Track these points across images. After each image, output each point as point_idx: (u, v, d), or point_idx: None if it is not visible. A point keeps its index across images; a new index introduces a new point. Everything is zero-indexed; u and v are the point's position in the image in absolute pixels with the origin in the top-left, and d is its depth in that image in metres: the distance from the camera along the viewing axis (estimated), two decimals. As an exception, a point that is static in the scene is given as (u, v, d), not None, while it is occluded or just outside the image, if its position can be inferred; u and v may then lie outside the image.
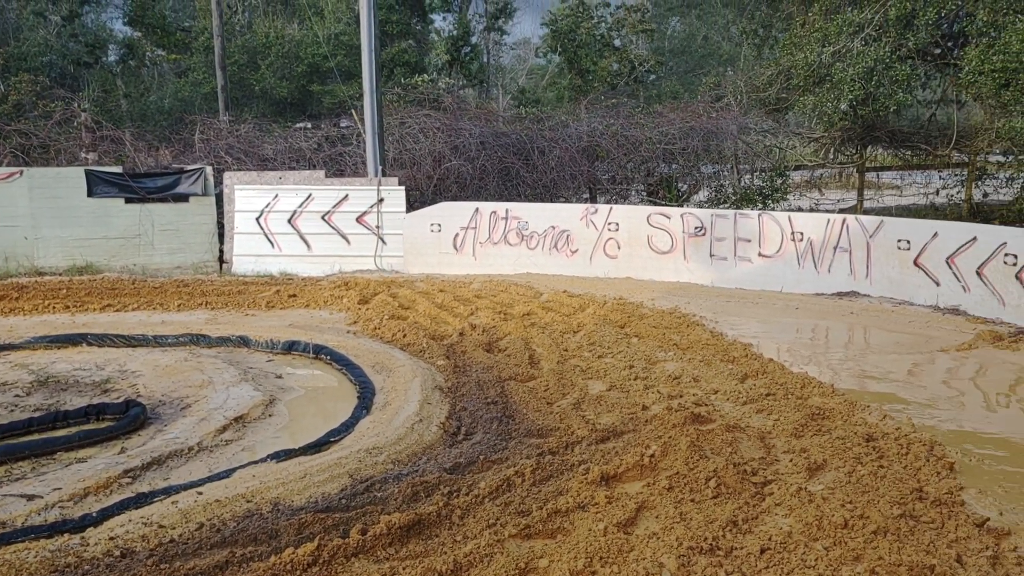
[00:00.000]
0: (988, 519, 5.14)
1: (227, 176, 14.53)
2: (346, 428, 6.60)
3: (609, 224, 13.67)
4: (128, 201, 14.11)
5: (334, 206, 14.10)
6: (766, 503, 5.39)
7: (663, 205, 15.85)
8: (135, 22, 30.68)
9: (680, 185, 18.14)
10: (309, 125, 19.87)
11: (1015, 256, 10.03)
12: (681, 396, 7.54)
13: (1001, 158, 18.20)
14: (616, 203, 16.64)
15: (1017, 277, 10.04)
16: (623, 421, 6.93)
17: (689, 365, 8.60)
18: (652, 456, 6.05)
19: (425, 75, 24.29)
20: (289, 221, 14.11)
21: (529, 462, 5.93)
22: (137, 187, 14.08)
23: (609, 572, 4.48)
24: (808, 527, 4.99)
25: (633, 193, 17.89)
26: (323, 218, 14.12)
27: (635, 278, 13.53)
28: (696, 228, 13.12)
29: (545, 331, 9.97)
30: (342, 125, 18.59)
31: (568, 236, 13.85)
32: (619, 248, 13.66)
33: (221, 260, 14.34)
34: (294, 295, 11.90)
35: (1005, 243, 10.18)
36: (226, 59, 22.77)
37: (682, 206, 15.93)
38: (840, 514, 5.07)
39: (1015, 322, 10.04)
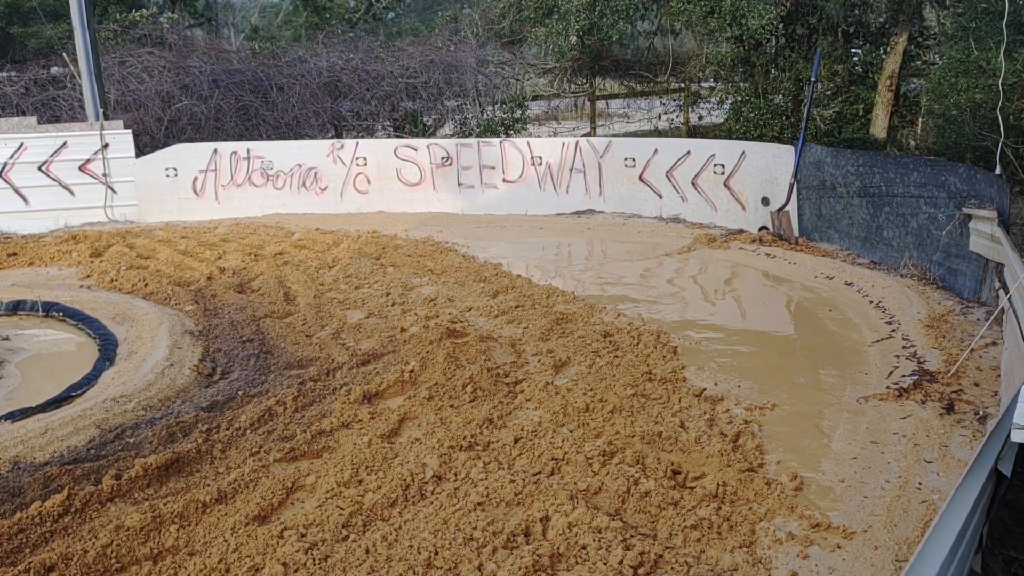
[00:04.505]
0: (705, 389, 5.88)
1: (-85, 128, 12.74)
2: (88, 381, 6.22)
3: (357, 159, 13.57)
4: None
5: (52, 155, 12.83)
6: (518, 400, 5.81)
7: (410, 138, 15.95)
8: None
9: (425, 119, 18.30)
10: (14, 74, 17.73)
11: (722, 166, 11.23)
12: (437, 316, 7.81)
13: (712, 83, 20.02)
14: (362, 139, 16.50)
15: (726, 185, 11.26)
16: (383, 344, 7.09)
17: (444, 288, 8.90)
18: (412, 371, 6.27)
19: (144, 10, 22.40)
20: (0, 174, 12.71)
21: (290, 391, 5.95)
22: None
23: (375, 478, 4.67)
24: (555, 415, 5.45)
25: (379, 129, 17.82)
26: (40, 169, 12.82)
27: (387, 211, 13.60)
28: (443, 158, 13.38)
29: (299, 268, 9.85)
30: (52, 71, 16.79)
31: (316, 174, 13.60)
32: (369, 183, 13.64)
33: (-82, 223, 12.66)
34: (14, 253, 10.80)
35: (714, 155, 11.35)
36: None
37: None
38: (582, 400, 5.58)
39: (726, 225, 11.31)
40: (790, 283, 8.80)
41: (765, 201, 10.58)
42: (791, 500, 4.23)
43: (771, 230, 10.31)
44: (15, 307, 8.23)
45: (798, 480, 4.45)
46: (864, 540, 3.84)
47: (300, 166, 13.54)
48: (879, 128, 15.04)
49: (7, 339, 7.43)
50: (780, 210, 10.14)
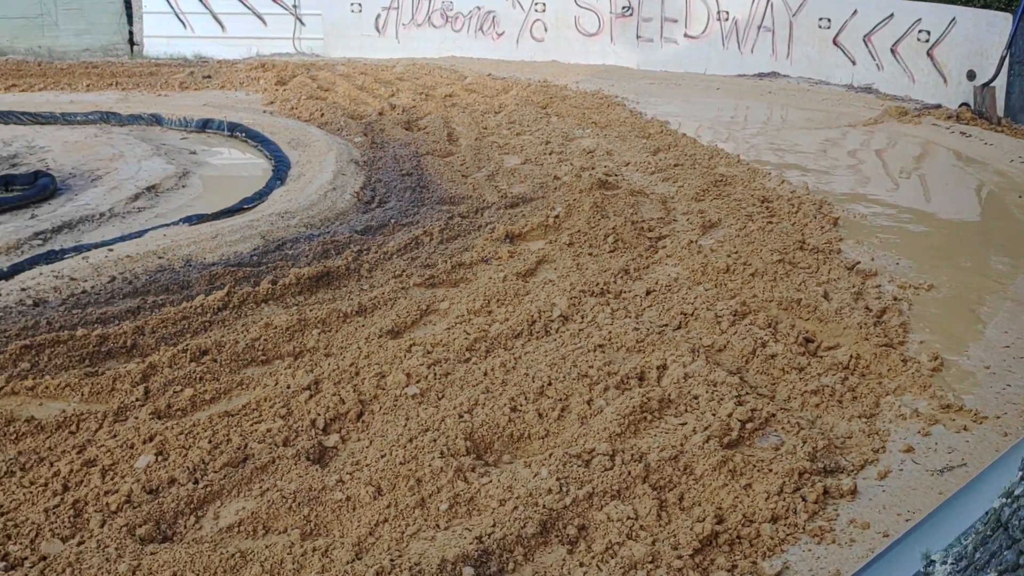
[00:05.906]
0: (859, 263, 5.58)
1: (129, -50, 13.56)
2: (260, 196, 6.68)
3: (536, 5, 13.29)
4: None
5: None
6: (658, 255, 5.74)
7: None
8: None
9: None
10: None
11: (928, 32, 10.16)
12: (593, 168, 7.73)
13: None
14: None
15: (928, 54, 10.22)
16: (533, 189, 7.14)
17: (604, 141, 8.76)
18: (556, 217, 6.31)
19: None
20: (200, 0, 13.39)
21: (438, 223, 6.15)
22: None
23: (504, 310, 4.82)
24: (693, 273, 5.37)
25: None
26: (244, -6, 13.41)
27: (561, 61, 13.36)
28: (624, 8, 12.86)
29: (466, 111, 9.95)
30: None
31: (494, 18, 13.47)
32: (546, 30, 13.38)
33: (132, 43, 13.67)
34: (209, 76, 11.52)
35: (920, 19, 10.26)
36: None
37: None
38: (724, 261, 5.44)
39: (922, 98, 10.33)
40: (982, 165, 8.03)
41: (971, 75, 9.55)
42: (925, 379, 4.02)
43: (972, 107, 9.34)
44: (204, 125, 8.86)
45: (938, 361, 4.21)
46: (994, 425, 3.62)
47: (479, 9, 13.43)
48: None
49: (194, 153, 8.05)
50: (986, 85, 9.13)
